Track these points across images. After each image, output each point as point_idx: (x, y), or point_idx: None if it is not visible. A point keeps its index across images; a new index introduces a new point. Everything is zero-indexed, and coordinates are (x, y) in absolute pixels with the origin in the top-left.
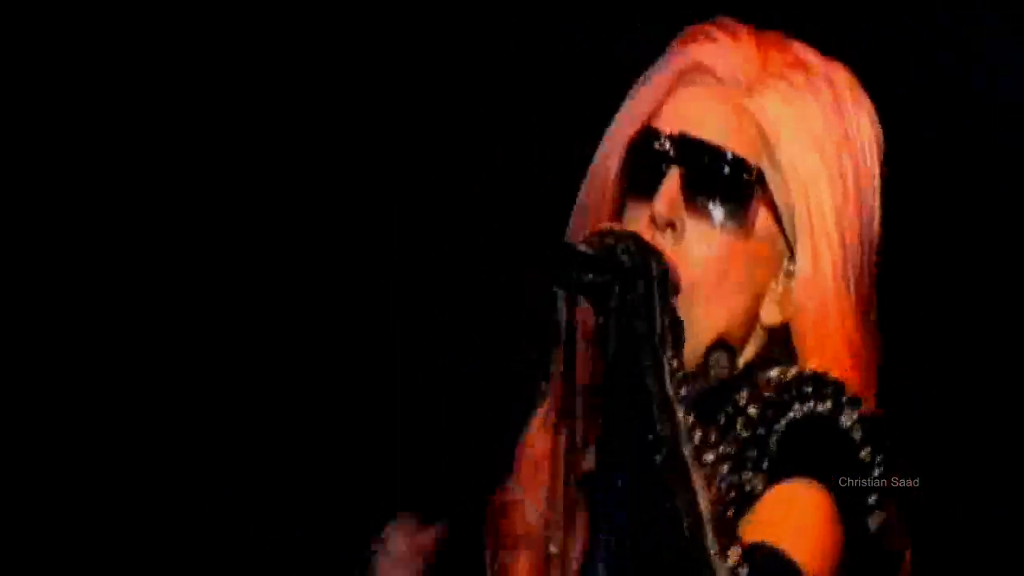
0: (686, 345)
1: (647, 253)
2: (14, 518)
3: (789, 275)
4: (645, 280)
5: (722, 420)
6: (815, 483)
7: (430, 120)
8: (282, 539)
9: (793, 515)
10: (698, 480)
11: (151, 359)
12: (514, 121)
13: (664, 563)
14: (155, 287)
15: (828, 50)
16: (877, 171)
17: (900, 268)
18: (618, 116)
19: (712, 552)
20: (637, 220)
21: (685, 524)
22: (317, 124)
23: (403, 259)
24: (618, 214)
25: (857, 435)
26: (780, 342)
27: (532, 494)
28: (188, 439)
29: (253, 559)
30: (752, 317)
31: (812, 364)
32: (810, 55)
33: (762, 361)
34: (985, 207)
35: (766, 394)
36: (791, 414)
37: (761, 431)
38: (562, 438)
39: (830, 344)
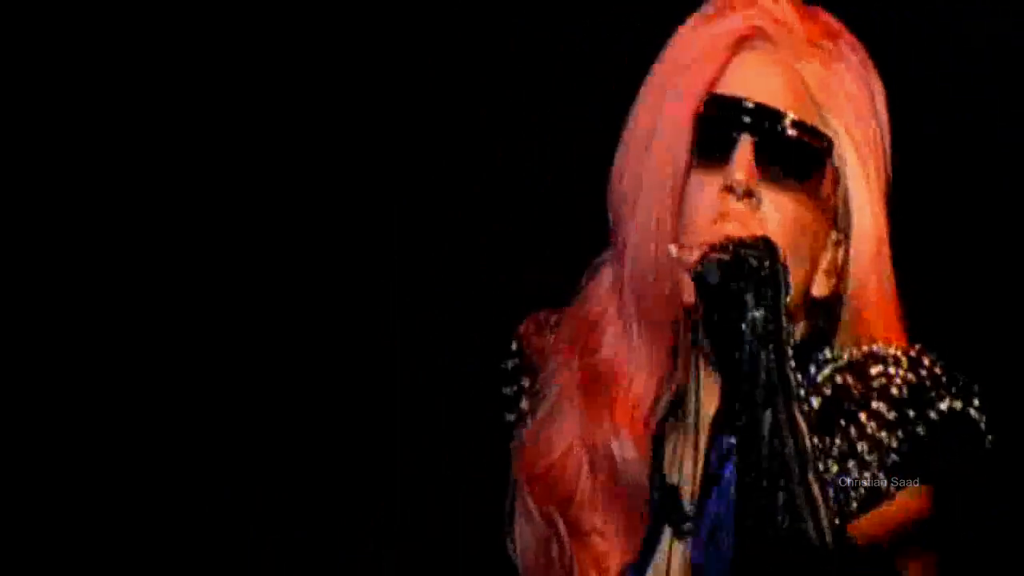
0: None
1: (774, 257)
2: (14, 518)
3: (836, 245)
4: (773, 287)
5: (831, 411)
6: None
7: (430, 120)
8: (282, 539)
9: (915, 534)
10: (824, 499)
11: (151, 359)
12: (514, 121)
13: None
14: (155, 287)
15: None
16: (887, 125)
17: (900, 268)
18: (667, 83)
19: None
20: (708, 188)
21: (813, 542)
22: (317, 124)
23: (403, 259)
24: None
25: (983, 424)
26: (823, 314)
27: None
28: (188, 439)
29: (253, 559)
30: (806, 290)
31: (876, 337)
32: (831, 21)
33: (811, 335)
34: (985, 207)
35: (893, 392)
36: (931, 416)
37: (900, 435)
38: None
39: (887, 315)
